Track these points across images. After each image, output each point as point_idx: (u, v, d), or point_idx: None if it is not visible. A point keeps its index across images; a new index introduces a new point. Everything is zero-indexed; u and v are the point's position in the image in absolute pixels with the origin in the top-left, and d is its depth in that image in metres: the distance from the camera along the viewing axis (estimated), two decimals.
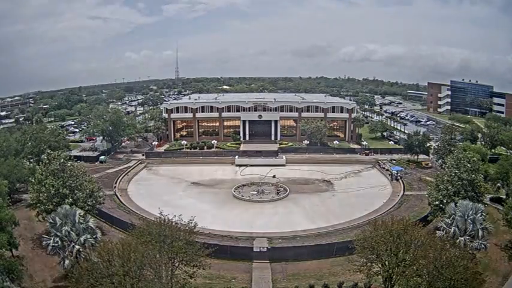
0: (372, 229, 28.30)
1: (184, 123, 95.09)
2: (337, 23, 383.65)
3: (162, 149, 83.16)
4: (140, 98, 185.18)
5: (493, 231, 34.08)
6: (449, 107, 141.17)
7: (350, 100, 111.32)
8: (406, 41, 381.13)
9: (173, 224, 27.81)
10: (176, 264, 26.63)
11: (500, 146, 74.69)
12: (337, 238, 41.11)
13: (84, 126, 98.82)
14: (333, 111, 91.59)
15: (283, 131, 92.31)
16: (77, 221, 30.54)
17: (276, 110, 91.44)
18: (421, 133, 74.91)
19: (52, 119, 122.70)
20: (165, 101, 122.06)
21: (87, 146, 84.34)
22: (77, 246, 29.55)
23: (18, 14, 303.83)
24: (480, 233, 31.09)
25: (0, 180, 40.58)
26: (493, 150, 72.62)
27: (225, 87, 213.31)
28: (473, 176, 39.08)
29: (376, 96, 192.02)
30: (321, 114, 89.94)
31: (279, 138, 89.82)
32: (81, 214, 31.58)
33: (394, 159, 72.96)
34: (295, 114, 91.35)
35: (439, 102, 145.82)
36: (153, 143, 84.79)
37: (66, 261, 29.22)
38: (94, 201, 39.96)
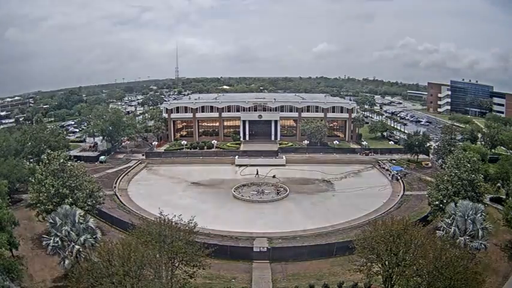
0: (372, 229, 28.32)
1: (184, 123, 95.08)
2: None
3: (162, 149, 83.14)
4: (140, 98, 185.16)
5: (493, 231, 34.12)
6: (449, 107, 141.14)
7: (350, 100, 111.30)
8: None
9: (173, 224, 27.82)
10: (176, 264, 26.65)
11: (500, 146, 74.67)
12: (337, 238, 41.11)
13: (84, 126, 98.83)
14: (333, 111, 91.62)
15: (283, 131, 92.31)
16: (77, 221, 30.56)
17: (276, 110, 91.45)
18: (421, 133, 74.91)
19: (52, 119, 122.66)
20: (165, 101, 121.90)
21: (87, 146, 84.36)
22: (77, 246, 29.56)
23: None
24: (480, 233, 31.12)
25: (0, 180, 40.57)
26: (493, 150, 72.60)
27: (225, 87, 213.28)
28: (473, 176, 39.13)
29: (376, 96, 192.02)
30: (321, 114, 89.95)
31: (279, 138, 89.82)
32: (81, 214, 31.60)
33: (394, 159, 72.98)
34: (295, 114, 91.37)
35: (439, 102, 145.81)
36: (153, 143, 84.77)
37: (66, 261, 29.24)
38: (94, 201, 39.99)
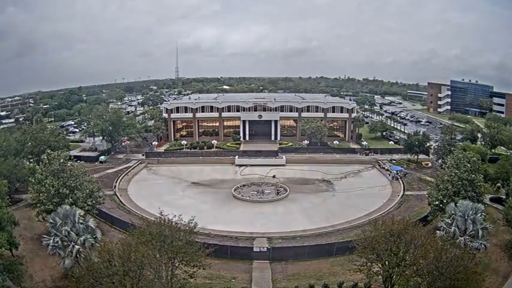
0: (372, 229, 28.33)
1: (184, 123, 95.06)
2: None
3: (162, 149, 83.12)
4: (140, 98, 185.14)
5: (493, 231, 34.10)
6: (449, 107, 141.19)
7: (350, 100, 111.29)
8: None
9: (173, 224, 27.82)
10: (176, 264, 26.66)
11: (500, 146, 74.64)
12: (337, 238, 41.11)
13: (84, 126, 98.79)
14: (333, 111, 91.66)
15: (283, 131, 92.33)
16: (76, 221, 30.57)
17: (276, 110, 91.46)
18: (421, 133, 74.90)
19: (52, 119, 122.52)
20: (165, 101, 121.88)
21: (87, 146, 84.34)
22: (77, 246, 29.56)
23: None
24: (480, 233, 31.13)
25: (0, 180, 40.54)
26: (493, 150, 72.55)
27: (225, 87, 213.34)
28: (473, 176, 39.11)
29: (376, 96, 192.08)
30: (321, 114, 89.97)
31: (279, 138, 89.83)
32: (81, 214, 31.60)
33: (394, 159, 72.94)
34: (295, 114, 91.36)
35: (439, 102, 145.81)
36: (153, 143, 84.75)
37: (66, 261, 29.24)
38: (94, 201, 39.94)
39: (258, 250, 38.25)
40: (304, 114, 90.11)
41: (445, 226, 32.31)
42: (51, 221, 30.45)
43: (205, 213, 46.77)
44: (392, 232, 26.55)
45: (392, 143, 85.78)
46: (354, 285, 31.39)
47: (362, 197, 55.24)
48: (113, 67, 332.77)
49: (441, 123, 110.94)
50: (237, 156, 74.16)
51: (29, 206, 40.77)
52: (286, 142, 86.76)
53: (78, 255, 29.48)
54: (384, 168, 68.84)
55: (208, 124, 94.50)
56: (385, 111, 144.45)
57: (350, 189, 58.78)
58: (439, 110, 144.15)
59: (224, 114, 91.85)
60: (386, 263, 26.44)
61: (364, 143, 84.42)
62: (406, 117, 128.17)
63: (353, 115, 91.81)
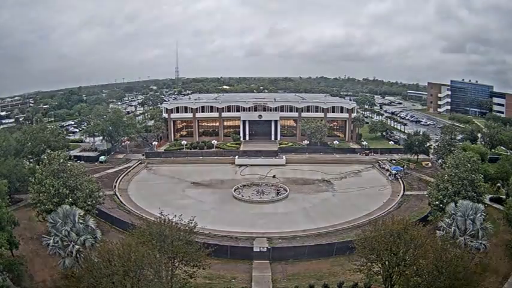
0: (372, 229, 28.31)
1: (184, 123, 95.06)
2: None
3: (162, 149, 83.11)
4: (140, 98, 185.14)
5: (493, 231, 34.03)
6: (449, 107, 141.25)
7: (350, 100, 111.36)
8: None
9: (173, 224, 27.83)
10: (176, 264, 26.67)
11: (500, 146, 74.64)
12: (337, 238, 41.10)
13: (84, 126, 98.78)
14: (333, 111, 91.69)
15: (283, 131, 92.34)
16: (76, 221, 30.52)
17: (276, 110, 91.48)
18: (421, 133, 74.90)
19: (52, 119, 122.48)
20: (165, 101, 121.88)
21: (87, 146, 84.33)
22: (77, 246, 29.53)
23: None
24: (480, 233, 31.08)
25: (0, 180, 40.53)
26: (493, 150, 72.51)
27: (225, 87, 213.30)
28: (473, 175, 39.08)
29: (376, 96, 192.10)
30: (321, 114, 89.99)
31: (279, 138, 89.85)
32: (81, 214, 31.53)
33: (394, 159, 72.93)
34: (295, 114, 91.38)
35: (439, 102, 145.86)
36: (153, 143, 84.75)
37: (66, 261, 29.21)
38: (94, 201, 39.87)
39: (258, 250, 38.23)
40: (304, 114, 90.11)
41: (445, 226, 32.25)
42: (51, 221, 30.40)
43: (205, 213, 46.84)
44: (392, 232, 26.51)
45: (392, 143, 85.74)
46: (354, 285, 31.39)
47: (362, 197, 55.27)
48: (113, 67, 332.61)
49: (434, 123, 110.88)
50: (237, 156, 74.15)
51: (29, 206, 40.74)
52: (286, 142, 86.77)
53: (78, 255, 29.44)
54: (383, 168, 68.83)
55: (208, 124, 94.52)
56: (385, 111, 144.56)
57: (350, 189, 58.81)
58: (439, 110, 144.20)
59: (224, 114, 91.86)
60: (386, 263, 26.42)
61: (364, 143, 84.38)
62: (406, 117, 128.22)
63: (353, 115, 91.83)
